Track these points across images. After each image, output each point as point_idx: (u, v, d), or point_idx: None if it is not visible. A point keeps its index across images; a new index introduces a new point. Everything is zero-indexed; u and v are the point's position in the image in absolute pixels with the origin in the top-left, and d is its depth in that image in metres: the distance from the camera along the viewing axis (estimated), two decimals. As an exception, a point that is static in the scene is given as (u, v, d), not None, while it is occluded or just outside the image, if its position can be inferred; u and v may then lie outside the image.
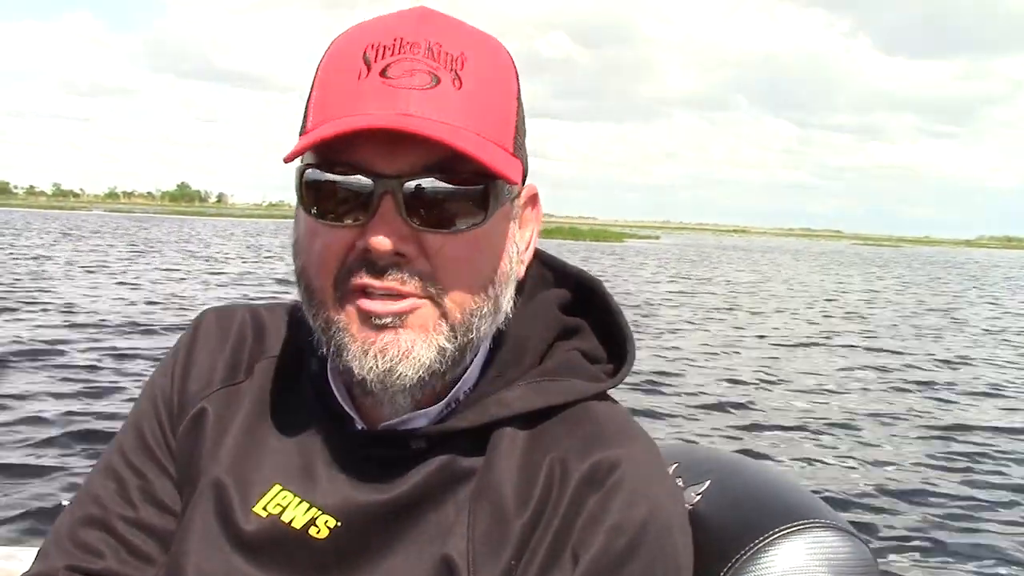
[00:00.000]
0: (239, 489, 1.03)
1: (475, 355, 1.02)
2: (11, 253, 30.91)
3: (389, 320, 0.93)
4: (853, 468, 8.28)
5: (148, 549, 1.07)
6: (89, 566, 1.06)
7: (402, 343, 0.93)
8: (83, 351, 11.62)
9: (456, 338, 0.96)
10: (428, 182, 0.91)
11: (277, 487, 1.03)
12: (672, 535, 0.96)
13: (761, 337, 16.90)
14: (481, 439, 1.01)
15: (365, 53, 0.93)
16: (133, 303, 17.54)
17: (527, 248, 1.06)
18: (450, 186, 0.92)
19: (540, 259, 1.14)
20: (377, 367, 0.94)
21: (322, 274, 0.96)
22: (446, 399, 1.02)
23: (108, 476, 1.11)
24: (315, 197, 0.94)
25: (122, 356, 11.43)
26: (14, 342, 11.90)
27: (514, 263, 1.02)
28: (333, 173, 0.93)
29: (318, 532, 0.99)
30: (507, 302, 1.01)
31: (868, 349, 16.11)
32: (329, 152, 0.93)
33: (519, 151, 0.99)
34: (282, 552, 1.00)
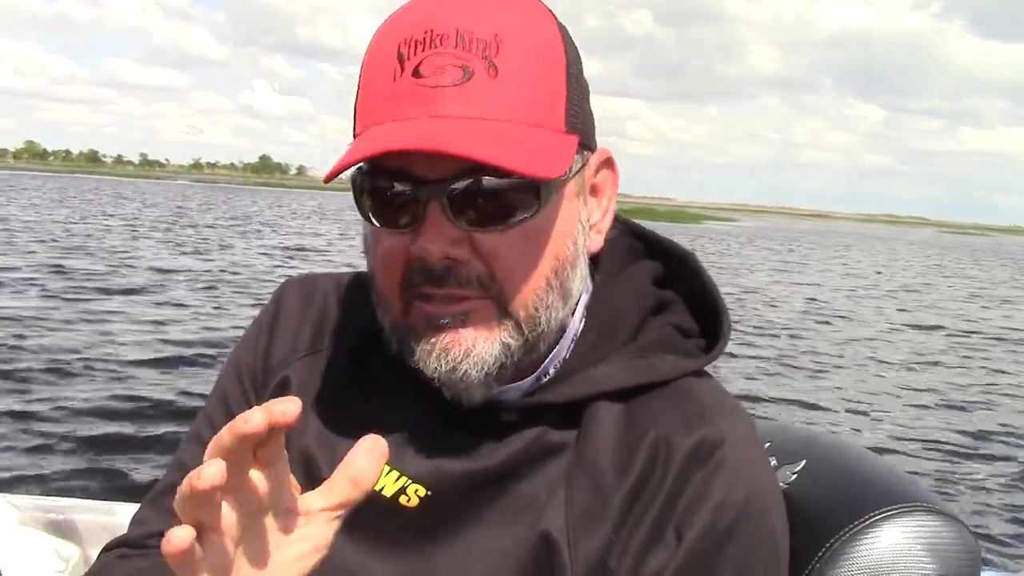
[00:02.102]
0: (327, 459, 1.03)
1: (558, 336, 1.01)
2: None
3: (449, 320, 0.93)
4: (956, 452, 8.15)
5: None
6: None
7: (464, 342, 0.93)
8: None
9: (523, 333, 0.95)
10: (472, 182, 0.89)
11: None
12: (772, 514, 0.96)
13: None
14: (573, 413, 1.00)
15: (399, 50, 0.91)
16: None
17: (604, 216, 1.04)
18: (496, 181, 0.89)
19: (631, 230, 1.13)
20: (442, 367, 0.93)
21: (387, 282, 0.96)
22: (536, 373, 1.01)
23: (196, 444, 1.13)
24: (369, 203, 0.94)
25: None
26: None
27: (581, 241, 0.99)
28: (380, 180, 0.92)
29: (408, 501, 0.99)
30: (577, 283, 0.99)
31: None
32: (375, 159, 0.91)
33: (575, 122, 0.95)
34: (372, 520, 0.98)
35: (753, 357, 12.05)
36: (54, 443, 6.59)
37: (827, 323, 16.95)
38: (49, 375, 8.49)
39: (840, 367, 12.19)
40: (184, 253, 22.19)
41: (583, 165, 0.99)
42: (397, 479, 1.00)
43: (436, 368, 0.93)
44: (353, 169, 0.94)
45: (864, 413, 9.73)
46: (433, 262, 0.91)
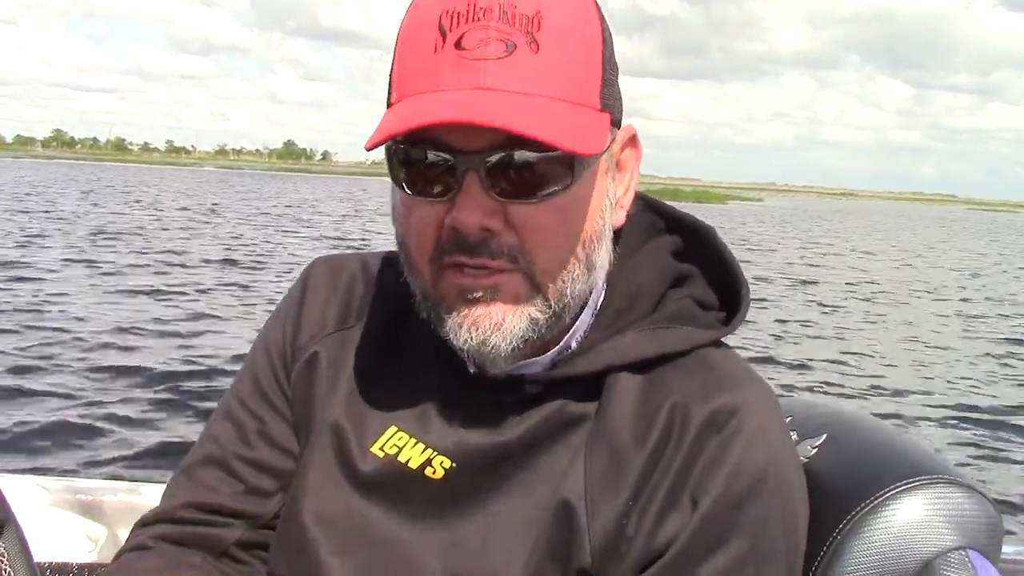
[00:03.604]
0: (356, 431, 1.06)
1: (580, 310, 1.02)
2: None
3: (480, 294, 0.94)
4: (980, 423, 8.10)
5: (264, 486, 1.12)
6: (207, 500, 1.11)
7: (494, 316, 0.95)
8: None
9: (550, 307, 0.96)
10: (510, 155, 0.90)
11: (393, 428, 1.05)
12: (790, 481, 0.96)
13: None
14: (595, 386, 1.01)
15: (440, 21, 0.91)
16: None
17: (627, 192, 1.05)
18: (533, 154, 0.91)
19: (650, 206, 1.14)
20: (472, 339, 0.95)
21: (419, 250, 0.97)
22: (558, 347, 1.03)
23: (227, 419, 1.15)
24: (404, 172, 0.95)
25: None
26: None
27: (608, 217, 1.00)
28: (417, 150, 0.93)
29: (434, 472, 1.01)
30: (602, 257, 1.01)
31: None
32: (411, 129, 0.91)
33: (608, 100, 0.97)
34: (398, 491, 1.02)
35: (792, 342, 12.00)
36: (82, 425, 6.70)
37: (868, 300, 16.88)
38: (84, 361, 8.61)
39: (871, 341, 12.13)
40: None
41: (611, 141, 1.00)
42: (423, 451, 1.02)
43: (467, 340, 0.95)
44: (390, 144, 0.95)
45: (887, 387, 9.72)
46: (468, 232, 0.92)
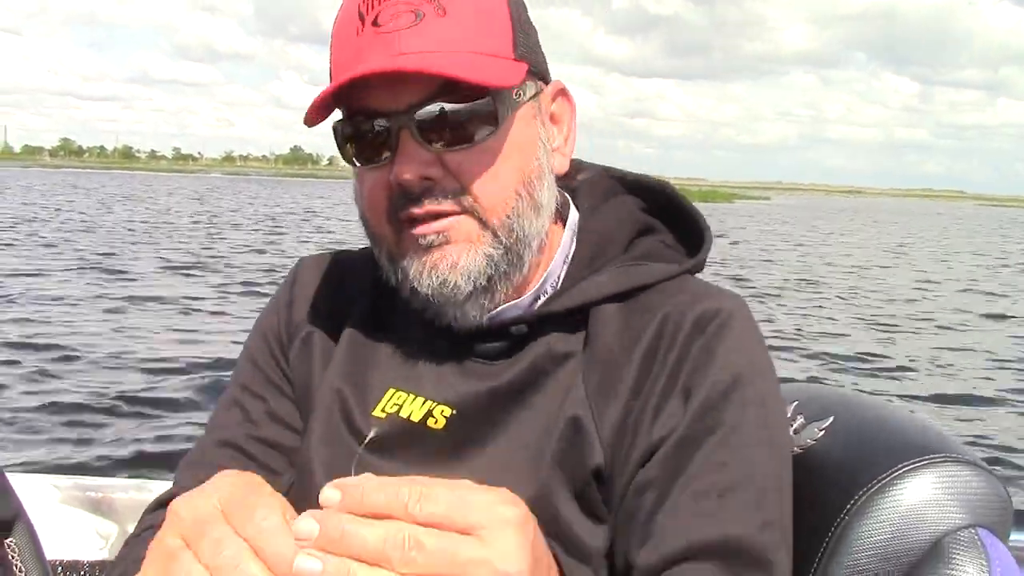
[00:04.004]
0: (356, 398, 1.11)
1: (542, 254, 1.09)
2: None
3: (434, 238, 1.01)
4: (990, 402, 8.07)
5: (275, 465, 1.15)
6: None
7: (448, 256, 1.02)
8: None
9: (501, 242, 1.03)
10: (435, 108, 0.99)
11: (391, 390, 1.10)
12: (769, 375, 1.03)
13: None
14: (578, 323, 1.08)
15: (359, 9, 1.01)
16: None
17: (566, 141, 1.13)
18: (457, 106, 0.99)
19: (608, 172, 1.23)
20: (433, 282, 1.02)
21: (375, 215, 1.06)
22: (534, 291, 1.10)
23: (231, 406, 1.20)
24: (351, 146, 1.05)
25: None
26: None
27: (545, 160, 1.08)
28: (354, 122, 1.03)
29: (435, 423, 1.06)
30: (547, 196, 1.07)
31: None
32: (349, 106, 1.03)
33: (524, 53, 1.05)
34: (404, 445, 1.06)
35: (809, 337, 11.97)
36: (94, 425, 6.72)
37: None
38: (85, 360, 8.64)
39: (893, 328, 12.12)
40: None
41: (538, 92, 1.08)
42: (423, 404, 1.07)
43: (429, 284, 1.03)
44: (335, 122, 1.06)
45: (901, 369, 9.79)
46: (411, 185, 1.00)
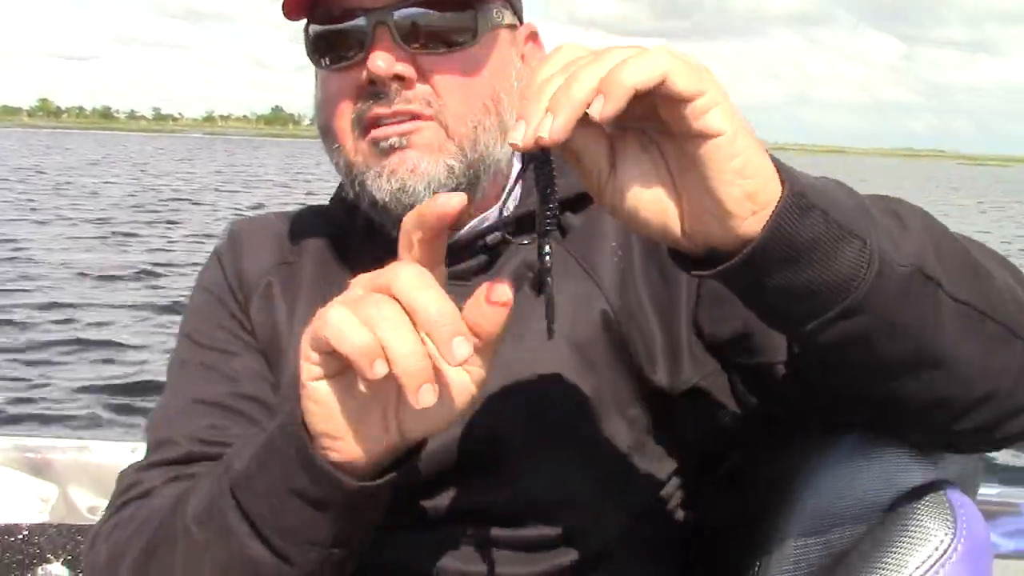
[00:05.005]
0: None
1: (508, 178, 1.10)
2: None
3: (396, 140, 1.00)
4: None
5: (265, 420, 1.04)
6: (219, 439, 1.03)
7: (408, 161, 1.00)
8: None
9: (464, 156, 1.01)
10: (416, 11, 0.99)
11: None
12: None
13: None
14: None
15: None
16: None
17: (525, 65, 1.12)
18: (437, 12, 1.00)
19: None
20: (391, 186, 1.00)
21: (338, 117, 1.03)
22: (497, 206, 1.08)
23: (195, 367, 1.11)
24: (322, 49, 1.03)
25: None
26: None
27: (516, 87, 1.06)
28: (331, 23, 1.01)
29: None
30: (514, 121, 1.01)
31: None
32: (326, 8, 1.01)
33: None
34: None
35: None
36: (29, 380, 6.64)
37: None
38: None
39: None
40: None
41: (514, 25, 1.09)
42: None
43: (387, 189, 1.00)
44: (307, 24, 1.04)
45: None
46: (382, 80, 0.98)
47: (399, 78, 0.98)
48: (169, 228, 16.20)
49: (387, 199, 1.00)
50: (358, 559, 0.89)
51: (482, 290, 0.71)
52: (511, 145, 0.66)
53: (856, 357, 0.76)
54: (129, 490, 1.03)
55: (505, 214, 1.08)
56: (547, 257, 0.71)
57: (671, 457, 1.08)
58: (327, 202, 1.21)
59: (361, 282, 0.73)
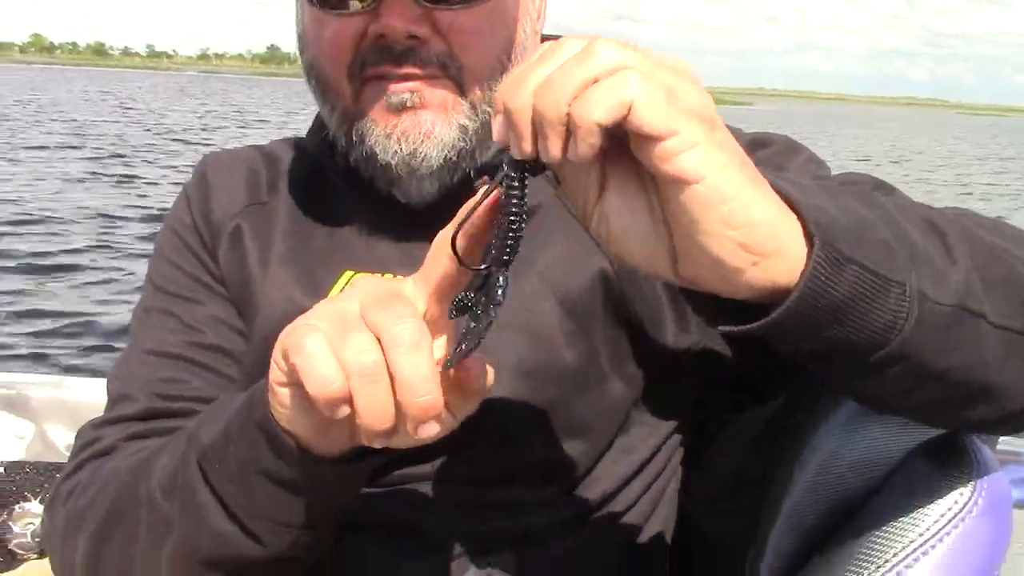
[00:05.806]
0: (307, 288, 0.99)
1: None
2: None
3: (407, 97, 0.92)
4: None
5: (227, 371, 1.02)
6: (178, 392, 0.99)
7: (423, 123, 0.93)
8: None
9: (477, 115, 0.95)
10: None
11: (349, 272, 1.00)
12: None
13: None
14: (537, 183, 0.97)
15: None
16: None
17: (539, 18, 1.04)
18: None
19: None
20: (401, 150, 0.93)
21: (335, 66, 0.95)
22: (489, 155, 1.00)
23: (157, 313, 1.05)
24: None
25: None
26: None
27: (529, 31, 1.00)
28: None
29: None
30: None
31: None
32: None
33: None
34: None
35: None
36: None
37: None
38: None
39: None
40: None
41: None
42: (391, 280, 0.95)
43: (396, 152, 0.93)
44: None
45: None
46: (396, 39, 0.91)
47: (413, 36, 0.91)
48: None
49: (394, 161, 0.93)
50: (331, 542, 0.87)
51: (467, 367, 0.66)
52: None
53: (889, 395, 0.70)
54: (86, 447, 0.98)
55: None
56: (500, 291, 0.61)
57: (671, 415, 1.04)
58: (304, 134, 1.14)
59: (360, 298, 0.66)
